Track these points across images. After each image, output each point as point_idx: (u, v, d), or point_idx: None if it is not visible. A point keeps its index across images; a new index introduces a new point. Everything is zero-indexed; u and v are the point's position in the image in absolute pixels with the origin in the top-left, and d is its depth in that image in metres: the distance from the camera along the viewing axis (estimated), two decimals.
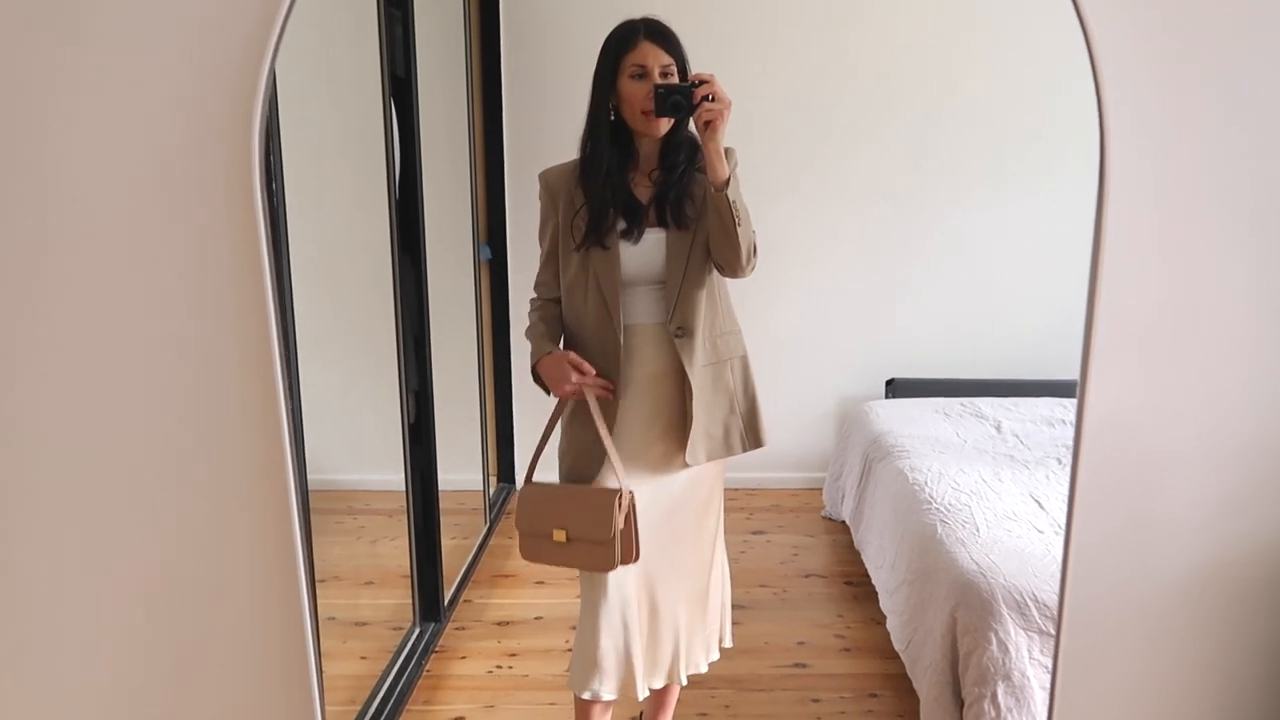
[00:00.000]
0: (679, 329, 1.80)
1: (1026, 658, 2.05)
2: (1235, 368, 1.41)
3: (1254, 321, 1.40)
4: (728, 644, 2.09)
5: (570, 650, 1.96)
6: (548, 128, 3.76)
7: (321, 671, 1.58)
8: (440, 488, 2.83)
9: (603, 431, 1.76)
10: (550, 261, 1.88)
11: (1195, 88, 1.32)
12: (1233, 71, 1.32)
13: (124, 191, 1.31)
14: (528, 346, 1.89)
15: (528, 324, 1.92)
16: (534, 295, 1.93)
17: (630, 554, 1.77)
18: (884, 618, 2.67)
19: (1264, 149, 1.35)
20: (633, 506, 1.76)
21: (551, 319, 1.89)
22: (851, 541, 3.30)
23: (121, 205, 1.31)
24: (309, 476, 1.90)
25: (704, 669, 2.02)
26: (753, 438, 1.92)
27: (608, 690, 1.89)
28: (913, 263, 3.93)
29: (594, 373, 1.78)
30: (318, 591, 1.94)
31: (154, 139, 1.30)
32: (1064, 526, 1.46)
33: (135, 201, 1.31)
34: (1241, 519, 1.46)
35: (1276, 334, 1.40)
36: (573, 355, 1.79)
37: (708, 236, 1.77)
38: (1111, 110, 1.30)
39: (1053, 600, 2.05)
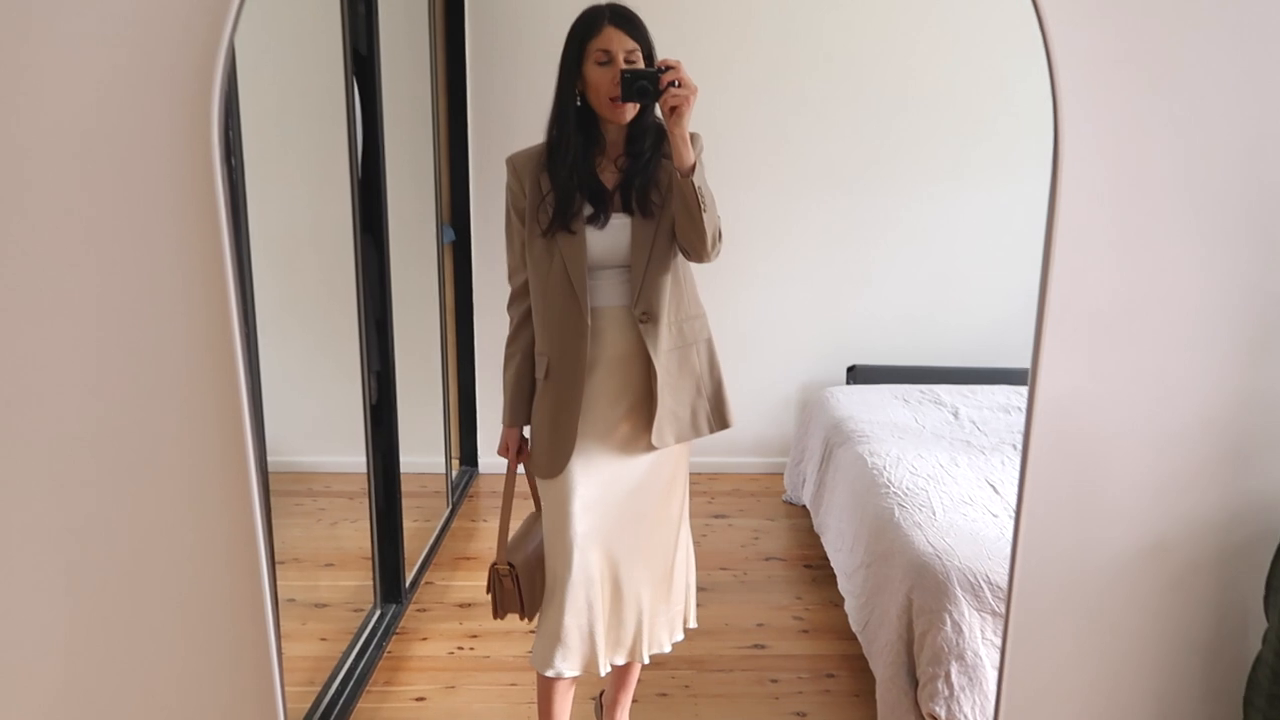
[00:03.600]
0: (644, 314, 1.81)
1: (979, 638, 2.09)
2: (1179, 353, 1.45)
3: (1197, 309, 1.44)
4: (692, 624, 2.11)
5: (532, 632, 1.97)
6: (512, 108, 3.74)
7: (281, 653, 1.58)
8: (402, 470, 2.82)
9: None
10: (519, 246, 1.88)
11: (1146, 83, 1.35)
12: (1182, 68, 1.36)
13: (79, 166, 1.29)
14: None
15: (505, 353, 1.95)
16: (510, 295, 1.94)
17: (511, 609, 1.97)
18: (842, 600, 2.71)
19: (1210, 142, 1.38)
20: (515, 579, 1.94)
21: (523, 369, 1.93)
22: (811, 525, 3.34)
23: (77, 180, 1.29)
24: (269, 458, 1.89)
25: (668, 648, 2.04)
26: (719, 419, 1.94)
27: (570, 667, 1.90)
28: (875, 251, 3.97)
29: (515, 462, 1.99)
30: (278, 573, 1.94)
31: (109, 112, 1.27)
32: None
33: (91, 177, 1.29)
34: (1183, 499, 1.50)
35: (1218, 320, 1.44)
36: (508, 443, 1.97)
37: (673, 222, 1.77)
38: (1065, 102, 1.33)
39: (1005, 582, 2.09)
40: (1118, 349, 1.43)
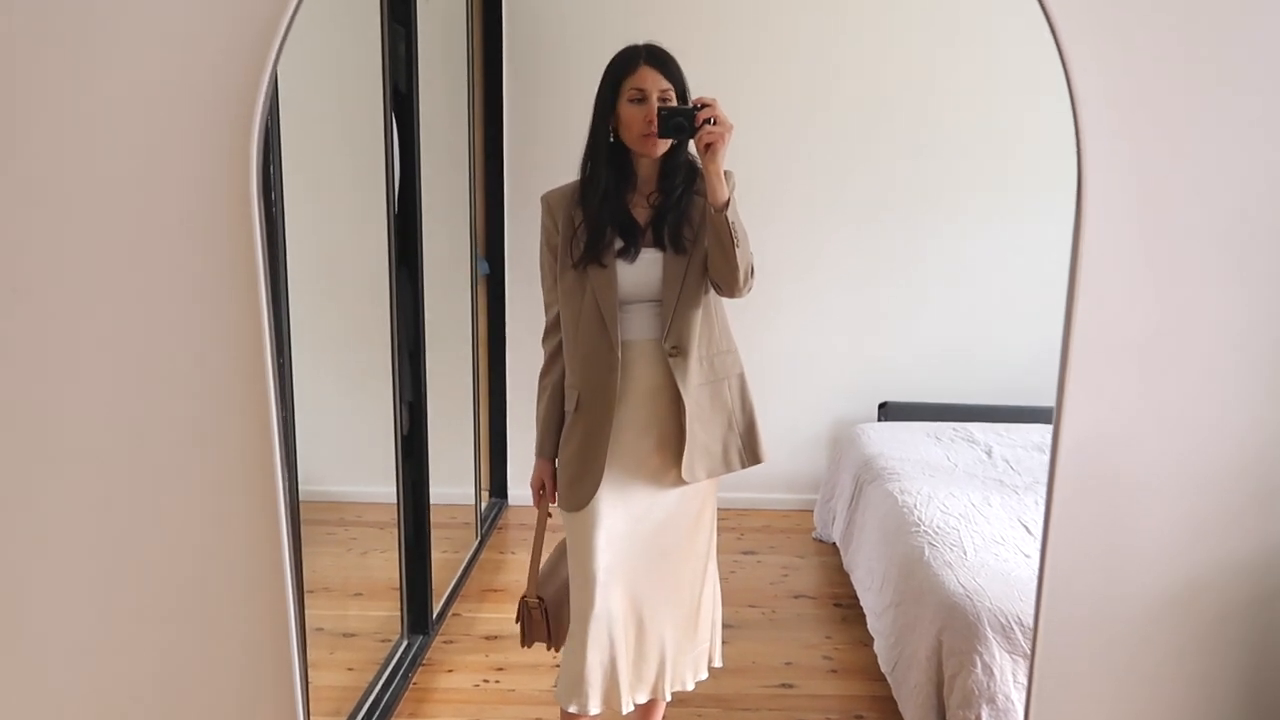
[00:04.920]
0: (673, 348, 1.82)
1: (1011, 681, 2.06)
2: (1210, 392, 1.42)
3: (1228, 347, 1.42)
4: (717, 664, 2.09)
5: (557, 666, 1.97)
6: (548, 144, 3.79)
7: (308, 682, 1.58)
8: (431, 501, 2.83)
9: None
10: (552, 282, 1.90)
11: (1174, 116, 1.35)
12: (1212, 98, 1.35)
13: (121, 196, 1.32)
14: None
15: (539, 385, 1.97)
16: (545, 329, 1.96)
17: (539, 639, 2.01)
18: (872, 640, 2.67)
19: (1239, 177, 1.37)
20: (544, 610, 1.98)
21: (555, 402, 1.94)
22: (841, 563, 3.30)
23: (118, 211, 1.33)
24: (301, 487, 1.91)
25: (690, 686, 2.02)
26: (751, 454, 1.94)
27: (594, 704, 1.89)
28: (907, 287, 3.95)
29: (547, 498, 1.99)
30: (307, 602, 1.95)
31: (152, 146, 1.31)
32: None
33: (131, 207, 1.33)
34: (1215, 542, 1.47)
35: (1250, 359, 1.42)
36: (542, 476, 1.97)
37: (704, 257, 1.79)
38: (1089, 138, 1.32)
39: None
40: (1145, 388, 1.41)
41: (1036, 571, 2.28)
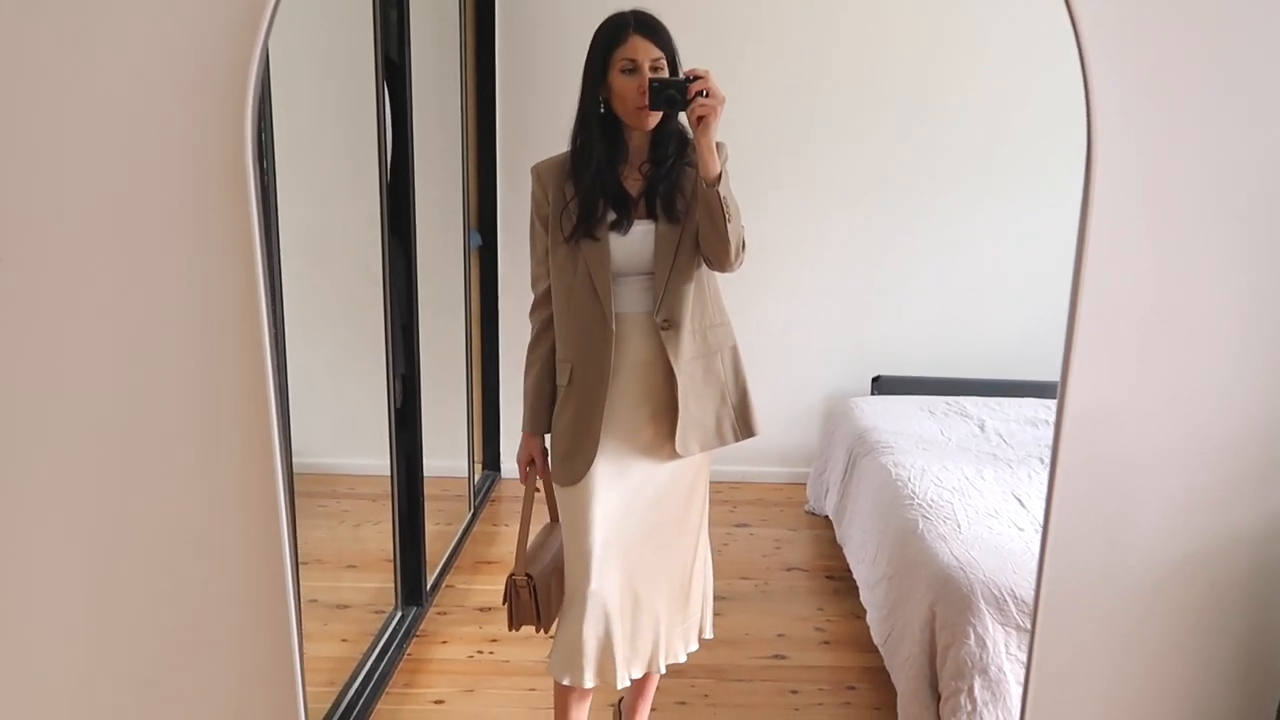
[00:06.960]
0: (665, 321, 1.81)
1: (1004, 653, 2.07)
2: (1213, 366, 1.43)
3: (1232, 321, 1.42)
4: (708, 635, 2.10)
5: (551, 637, 1.97)
6: (540, 115, 3.76)
7: (303, 653, 1.58)
8: (425, 473, 2.83)
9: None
10: (542, 254, 1.88)
11: (1185, 90, 1.33)
12: (1223, 74, 1.34)
13: (115, 169, 1.30)
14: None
15: (526, 359, 1.95)
16: (533, 302, 1.94)
17: (527, 621, 1.94)
18: (864, 612, 2.69)
19: (1250, 151, 1.36)
20: (532, 590, 1.91)
21: (544, 376, 1.92)
22: (834, 536, 3.32)
23: (112, 184, 1.31)
24: (294, 459, 1.90)
25: (683, 659, 2.03)
26: (744, 427, 1.94)
27: (588, 678, 1.90)
28: (900, 261, 3.94)
29: (537, 471, 1.98)
30: (300, 574, 1.95)
31: (146, 117, 1.29)
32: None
33: (126, 180, 1.31)
34: (1216, 514, 1.48)
35: (1254, 333, 1.42)
36: (530, 451, 1.97)
37: (696, 230, 1.77)
38: (1100, 111, 1.31)
39: (1031, 596, 2.07)
40: (1149, 361, 1.41)
41: (1030, 544, 2.30)
